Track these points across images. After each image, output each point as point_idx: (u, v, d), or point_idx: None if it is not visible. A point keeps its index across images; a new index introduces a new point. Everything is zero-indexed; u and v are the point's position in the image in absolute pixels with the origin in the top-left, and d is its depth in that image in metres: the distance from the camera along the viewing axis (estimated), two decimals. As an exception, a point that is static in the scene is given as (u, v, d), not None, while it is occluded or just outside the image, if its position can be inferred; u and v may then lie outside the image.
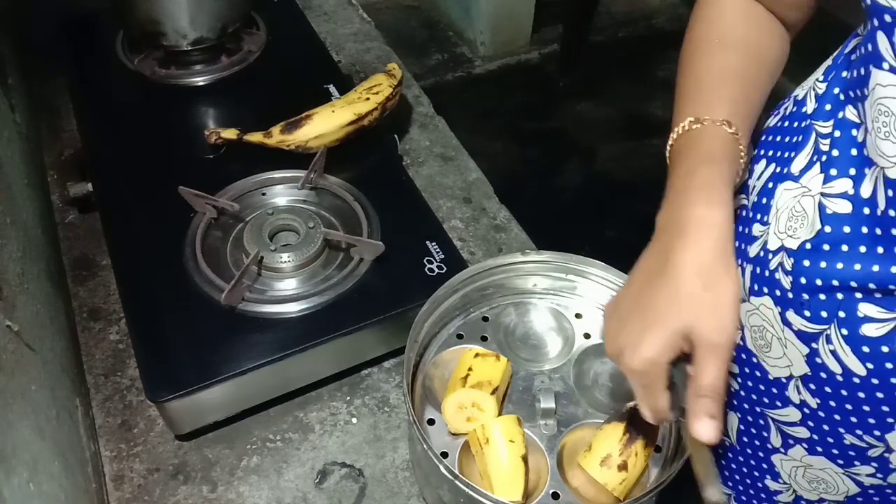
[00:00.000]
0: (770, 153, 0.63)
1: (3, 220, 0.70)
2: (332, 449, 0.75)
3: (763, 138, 0.65)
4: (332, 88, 0.98)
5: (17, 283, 0.67)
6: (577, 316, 0.76)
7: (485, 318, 0.75)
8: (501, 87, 2.73)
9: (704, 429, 0.49)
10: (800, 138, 0.59)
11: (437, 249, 0.80)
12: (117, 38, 1.05)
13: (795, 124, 0.61)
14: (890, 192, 0.49)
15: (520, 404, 0.69)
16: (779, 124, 0.64)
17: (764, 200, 0.61)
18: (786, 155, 0.60)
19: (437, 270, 0.78)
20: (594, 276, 0.75)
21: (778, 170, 0.61)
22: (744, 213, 0.65)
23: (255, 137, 0.90)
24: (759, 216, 0.62)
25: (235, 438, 0.75)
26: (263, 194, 0.87)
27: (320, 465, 0.74)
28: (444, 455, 0.65)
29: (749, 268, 0.62)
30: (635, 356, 0.51)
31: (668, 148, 0.60)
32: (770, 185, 0.61)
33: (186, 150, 0.92)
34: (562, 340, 0.74)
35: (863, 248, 0.52)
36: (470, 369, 0.67)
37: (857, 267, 0.52)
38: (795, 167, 0.59)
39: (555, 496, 0.63)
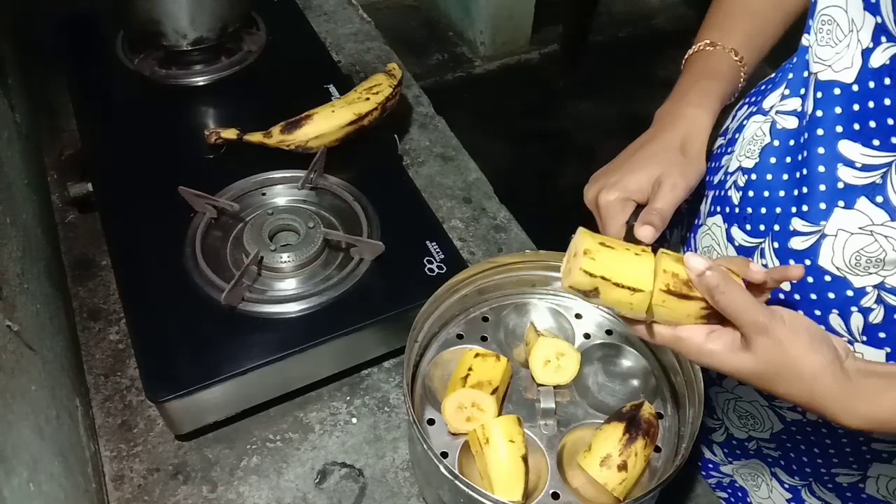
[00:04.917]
0: (752, 99, 0.73)
1: (3, 220, 0.70)
2: (332, 449, 0.75)
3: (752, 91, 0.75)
4: (332, 88, 0.98)
5: (17, 283, 0.67)
6: (577, 316, 0.76)
7: (485, 318, 0.75)
8: (501, 87, 2.73)
9: (645, 231, 0.60)
10: (778, 76, 0.69)
11: (437, 249, 0.80)
12: (117, 38, 1.05)
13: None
14: (819, 94, 0.57)
15: (520, 404, 0.69)
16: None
17: (736, 136, 0.71)
18: (762, 94, 0.70)
19: (437, 270, 0.78)
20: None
21: (753, 109, 0.70)
22: (718, 151, 0.75)
23: (255, 137, 0.90)
24: (728, 149, 0.72)
25: (235, 438, 0.75)
26: (263, 194, 0.87)
27: (320, 465, 0.74)
28: (444, 455, 0.65)
29: (711, 193, 0.72)
30: (612, 190, 0.63)
31: (684, 60, 0.72)
32: (744, 122, 0.70)
33: (186, 150, 0.92)
34: (562, 340, 0.74)
35: (800, 157, 0.60)
36: (470, 369, 0.67)
37: (786, 177, 0.61)
38: (767, 103, 0.68)
39: (555, 496, 0.63)
